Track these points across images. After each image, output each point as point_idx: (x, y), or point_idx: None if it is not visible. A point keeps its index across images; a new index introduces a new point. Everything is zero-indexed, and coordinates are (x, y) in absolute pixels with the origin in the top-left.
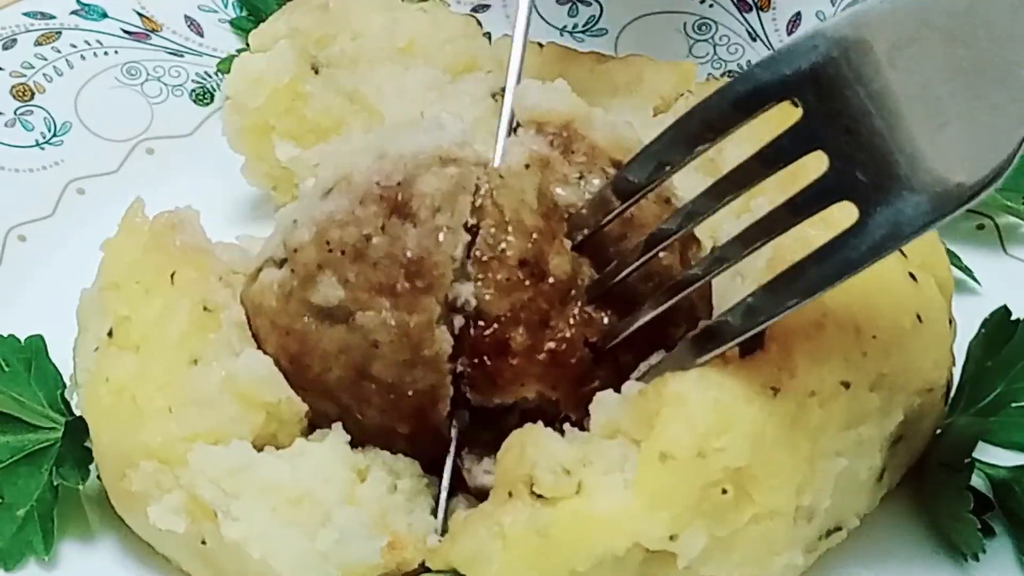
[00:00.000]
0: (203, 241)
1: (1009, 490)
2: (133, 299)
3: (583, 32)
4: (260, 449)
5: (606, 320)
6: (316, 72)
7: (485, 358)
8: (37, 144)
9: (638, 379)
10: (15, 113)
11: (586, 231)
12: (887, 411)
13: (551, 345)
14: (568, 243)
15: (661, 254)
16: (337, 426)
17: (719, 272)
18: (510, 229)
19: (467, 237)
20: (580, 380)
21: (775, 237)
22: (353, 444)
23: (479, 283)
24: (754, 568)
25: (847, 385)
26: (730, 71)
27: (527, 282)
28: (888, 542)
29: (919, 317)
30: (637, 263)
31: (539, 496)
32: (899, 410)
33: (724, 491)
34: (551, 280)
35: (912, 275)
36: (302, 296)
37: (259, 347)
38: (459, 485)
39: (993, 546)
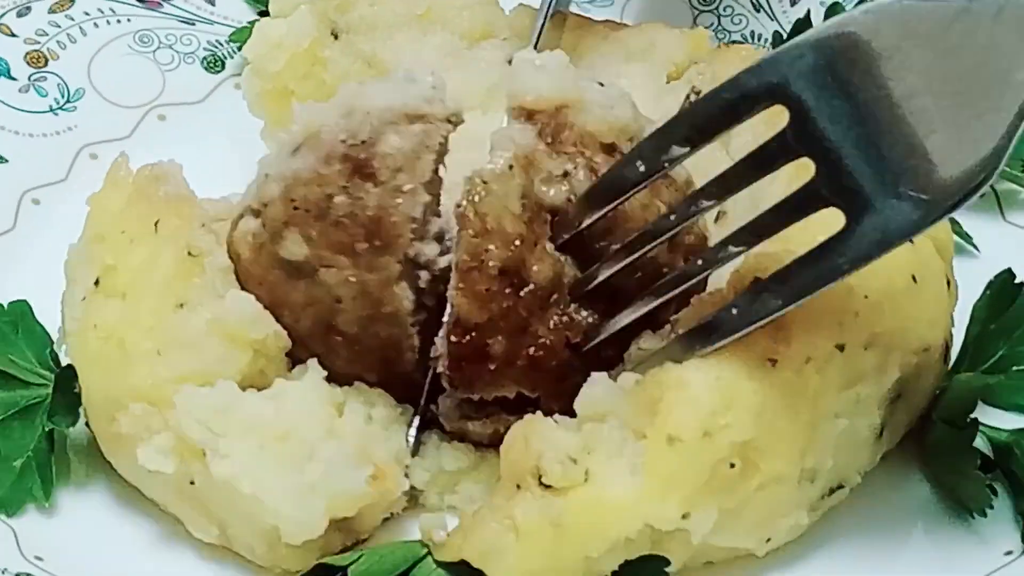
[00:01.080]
0: (186, 191)
1: (1009, 452)
2: (119, 248)
3: (589, 3)
4: (245, 389)
5: (589, 319)
6: (335, 37)
7: (462, 363)
8: (51, 110)
9: (631, 369)
10: (29, 79)
11: (570, 232)
12: (883, 369)
13: (530, 351)
14: (551, 245)
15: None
16: (313, 362)
17: (702, 276)
18: (492, 238)
19: (427, 197)
20: (560, 378)
21: (759, 243)
22: (328, 378)
23: (459, 291)
24: (761, 532)
25: (841, 347)
26: (734, 41)
27: (507, 290)
28: (890, 499)
29: (914, 278)
30: (619, 266)
31: (548, 487)
32: (895, 368)
33: (732, 465)
34: (532, 287)
35: None
36: (271, 249)
37: (243, 290)
38: (435, 421)
39: (995, 504)
